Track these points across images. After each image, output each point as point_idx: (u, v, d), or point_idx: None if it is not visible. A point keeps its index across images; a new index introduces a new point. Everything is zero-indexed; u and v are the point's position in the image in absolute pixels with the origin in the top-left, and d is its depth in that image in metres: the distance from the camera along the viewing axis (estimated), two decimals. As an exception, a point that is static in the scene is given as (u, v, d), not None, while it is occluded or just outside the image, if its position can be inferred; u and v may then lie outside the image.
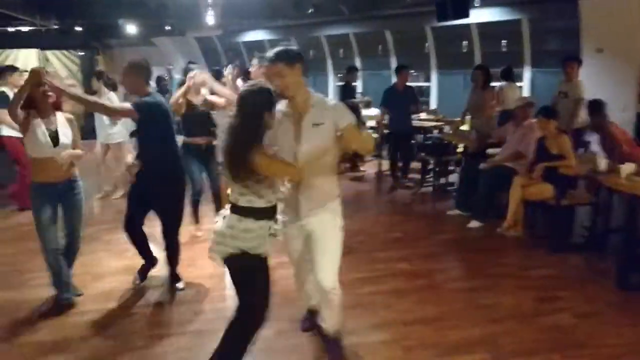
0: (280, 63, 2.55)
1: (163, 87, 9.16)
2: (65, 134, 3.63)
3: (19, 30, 12.06)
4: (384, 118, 7.63)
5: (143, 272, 4.13)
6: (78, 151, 3.72)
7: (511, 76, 7.46)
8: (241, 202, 2.48)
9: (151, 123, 3.70)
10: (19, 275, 4.32)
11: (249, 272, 2.57)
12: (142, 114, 3.65)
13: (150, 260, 4.12)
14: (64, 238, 3.79)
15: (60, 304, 3.70)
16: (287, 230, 2.78)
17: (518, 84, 7.93)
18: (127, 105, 3.73)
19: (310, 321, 3.23)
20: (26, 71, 6.42)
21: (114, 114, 4.57)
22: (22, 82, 3.64)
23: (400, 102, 7.22)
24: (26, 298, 3.89)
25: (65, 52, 13.99)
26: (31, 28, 11.73)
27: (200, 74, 4.60)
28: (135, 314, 3.69)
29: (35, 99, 3.52)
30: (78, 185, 3.77)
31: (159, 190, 3.78)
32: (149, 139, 3.79)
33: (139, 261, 4.12)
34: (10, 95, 6.01)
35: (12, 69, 6.36)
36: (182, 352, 3.17)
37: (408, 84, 7.41)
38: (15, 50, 13.52)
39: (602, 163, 4.55)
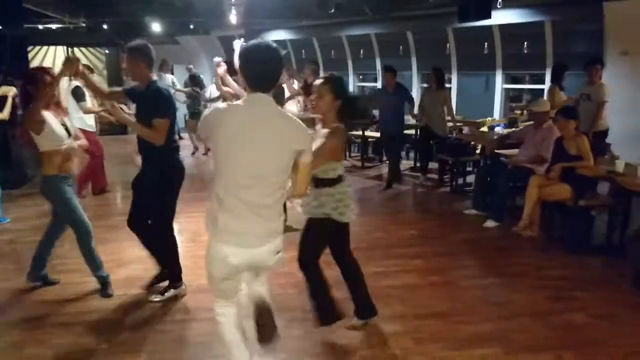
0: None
1: (199, 83, 10.45)
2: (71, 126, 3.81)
3: (48, 28, 12.36)
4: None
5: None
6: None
7: (554, 78, 6.90)
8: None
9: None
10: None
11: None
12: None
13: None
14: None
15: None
16: None
17: (539, 86, 7.83)
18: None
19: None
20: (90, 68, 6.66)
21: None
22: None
23: (390, 102, 7.28)
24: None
25: (91, 49, 14.29)
26: (60, 26, 12.01)
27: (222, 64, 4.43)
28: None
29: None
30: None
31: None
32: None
33: None
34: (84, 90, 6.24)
35: (87, 69, 6.49)
36: (202, 337, 3.26)
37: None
38: (44, 47, 13.88)
39: (621, 164, 4.53)
